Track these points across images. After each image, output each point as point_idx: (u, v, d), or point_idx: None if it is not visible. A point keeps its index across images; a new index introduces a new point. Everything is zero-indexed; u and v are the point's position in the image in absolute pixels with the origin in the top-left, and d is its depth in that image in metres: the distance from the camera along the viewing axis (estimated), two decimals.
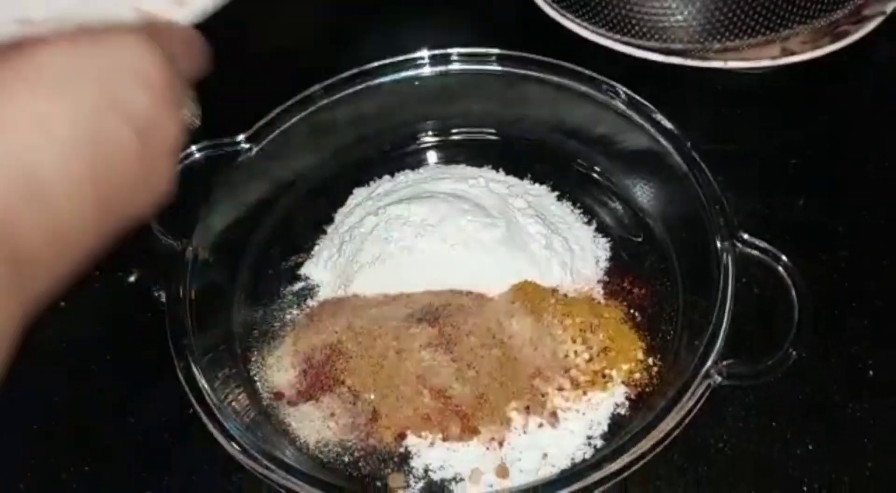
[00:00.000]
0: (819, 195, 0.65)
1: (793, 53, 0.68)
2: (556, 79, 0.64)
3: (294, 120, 0.64)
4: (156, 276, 0.63)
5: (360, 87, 0.66)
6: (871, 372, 0.56)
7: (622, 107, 0.62)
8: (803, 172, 0.67)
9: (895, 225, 0.63)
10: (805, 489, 0.52)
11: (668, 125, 0.60)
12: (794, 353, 0.49)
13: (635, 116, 0.61)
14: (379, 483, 0.52)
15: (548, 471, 0.52)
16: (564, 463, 0.52)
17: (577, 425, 0.54)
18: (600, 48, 0.70)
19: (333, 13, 0.84)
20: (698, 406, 0.48)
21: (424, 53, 0.66)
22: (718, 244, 0.54)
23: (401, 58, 0.66)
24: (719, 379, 0.49)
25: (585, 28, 0.71)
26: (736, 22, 0.65)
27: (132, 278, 0.64)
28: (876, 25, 0.69)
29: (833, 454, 0.53)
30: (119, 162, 0.36)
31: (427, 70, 0.66)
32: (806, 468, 0.52)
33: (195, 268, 0.57)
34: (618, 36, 0.70)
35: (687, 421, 0.48)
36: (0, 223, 0.31)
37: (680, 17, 0.66)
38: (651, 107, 0.61)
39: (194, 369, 0.52)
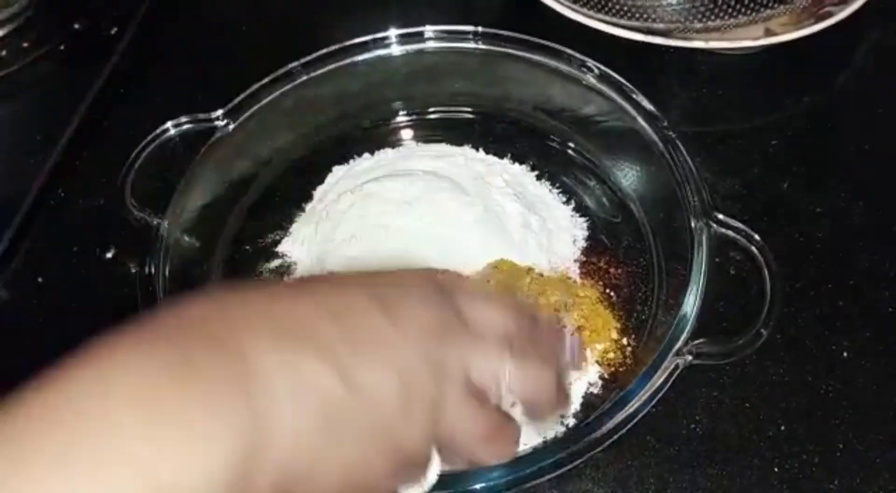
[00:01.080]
0: (798, 176, 0.65)
1: (776, 34, 0.68)
2: (535, 57, 0.64)
3: (273, 96, 0.64)
4: (133, 253, 0.63)
5: (341, 63, 0.65)
6: (844, 353, 0.56)
7: (600, 86, 0.61)
8: (783, 153, 0.67)
9: (873, 206, 0.63)
10: (776, 469, 0.52)
11: (647, 105, 0.60)
12: (765, 332, 0.49)
13: (614, 96, 0.61)
14: None
15: (519, 449, 0.52)
16: (535, 441, 0.52)
17: None
18: (582, 28, 0.69)
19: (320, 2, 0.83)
20: (668, 386, 0.48)
21: (404, 31, 0.65)
22: (693, 224, 0.54)
23: (381, 34, 0.65)
24: (689, 358, 0.49)
25: (567, 7, 0.71)
26: (718, 2, 0.65)
27: (109, 255, 0.64)
28: (859, 6, 0.68)
29: (805, 435, 0.53)
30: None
31: (407, 47, 0.66)
32: (778, 448, 0.52)
33: (170, 245, 0.56)
34: (600, 15, 0.69)
35: (656, 400, 0.47)
36: None
37: None
38: (630, 86, 0.61)
39: None
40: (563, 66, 0.63)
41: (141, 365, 0.28)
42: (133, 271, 0.62)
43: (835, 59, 0.73)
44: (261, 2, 0.83)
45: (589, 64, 0.62)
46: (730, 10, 0.66)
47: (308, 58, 0.64)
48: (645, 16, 0.67)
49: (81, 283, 0.63)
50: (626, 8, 0.67)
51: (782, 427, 0.53)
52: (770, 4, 0.66)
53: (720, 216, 0.54)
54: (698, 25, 0.67)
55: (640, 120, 0.60)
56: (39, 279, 0.63)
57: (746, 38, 0.68)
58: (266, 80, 0.63)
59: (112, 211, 0.59)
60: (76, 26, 0.77)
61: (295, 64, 0.64)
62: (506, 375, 0.36)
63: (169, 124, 0.60)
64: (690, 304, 0.51)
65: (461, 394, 0.35)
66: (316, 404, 0.31)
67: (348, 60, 0.65)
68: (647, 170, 0.62)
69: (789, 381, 0.55)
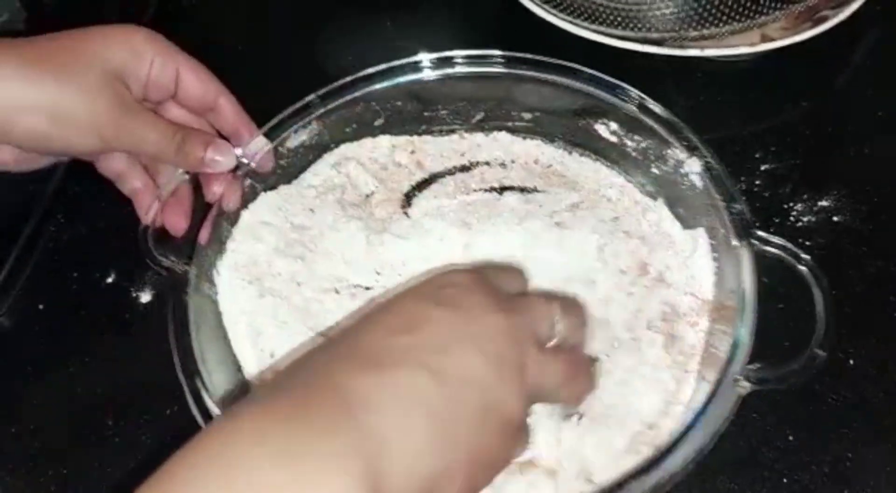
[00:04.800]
0: (799, 182, 0.65)
1: (772, 40, 0.68)
2: (564, 81, 0.62)
3: (292, 130, 0.62)
4: (133, 276, 0.63)
5: (358, 93, 0.63)
6: (851, 361, 0.56)
7: (633, 109, 0.60)
8: (783, 159, 0.66)
9: (875, 210, 0.63)
10: (786, 480, 0.52)
11: (692, 137, 0.59)
12: (822, 352, 0.48)
13: (644, 118, 0.60)
14: None
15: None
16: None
17: None
18: (576, 38, 0.69)
19: (316, 19, 0.82)
20: (730, 418, 0.47)
21: (423, 57, 0.63)
22: (734, 243, 0.53)
23: (401, 62, 0.63)
24: (748, 386, 0.47)
25: (562, 19, 0.70)
26: (711, 9, 0.65)
27: (110, 279, 0.63)
28: (855, 9, 0.68)
29: (814, 445, 0.53)
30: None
31: (425, 74, 0.63)
32: (787, 459, 0.52)
33: (198, 290, 0.55)
34: (594, 26, 0.69)
35: (719, 435, 0.46)
36: None
37: (656, 6, 0.65)
38: (674, 119, 0.60)
39: (210, 405, 0.49)
40: (605, 95, 0.61)
41: (263, 418, 0.34)
42: (133, 294, 0.62)
43: (832, 62, 0.73)
44: (264, 37, 0.82)
45: (624, 89, 0.61)
46: (724, 18, 0.65)
47: (325, 89, 0.63)
48: (639, 25, 0.67)
49: (83, 308, 0.62)
50: (619, 18, 0.67)
51: (790, 438, 0.53)
52: (765, 11, 0.65)
53: (761, 233, 0.53)
54: (693, 33, 0.67)
55: (678, 149, 0.59)
56: (41, 306, 0.63)
57: (742, 45, 0.68)
58: (284, 114, 0.62)
59: (112, 236, 0.59)
60: None
61: (311, 96, 0.62)
62: (557, 314, 0.43)
63: None
64: (744, 331, 0.49)
65: (535, 351, 0.40)
66: (420, 405, 0.35)
67: (367, 89, 0.63)
68: (683, 193, 0.60)
69: (796, 391, 0.54)
